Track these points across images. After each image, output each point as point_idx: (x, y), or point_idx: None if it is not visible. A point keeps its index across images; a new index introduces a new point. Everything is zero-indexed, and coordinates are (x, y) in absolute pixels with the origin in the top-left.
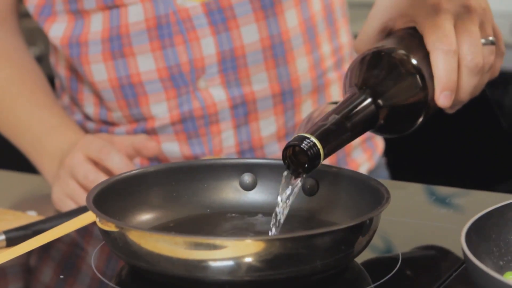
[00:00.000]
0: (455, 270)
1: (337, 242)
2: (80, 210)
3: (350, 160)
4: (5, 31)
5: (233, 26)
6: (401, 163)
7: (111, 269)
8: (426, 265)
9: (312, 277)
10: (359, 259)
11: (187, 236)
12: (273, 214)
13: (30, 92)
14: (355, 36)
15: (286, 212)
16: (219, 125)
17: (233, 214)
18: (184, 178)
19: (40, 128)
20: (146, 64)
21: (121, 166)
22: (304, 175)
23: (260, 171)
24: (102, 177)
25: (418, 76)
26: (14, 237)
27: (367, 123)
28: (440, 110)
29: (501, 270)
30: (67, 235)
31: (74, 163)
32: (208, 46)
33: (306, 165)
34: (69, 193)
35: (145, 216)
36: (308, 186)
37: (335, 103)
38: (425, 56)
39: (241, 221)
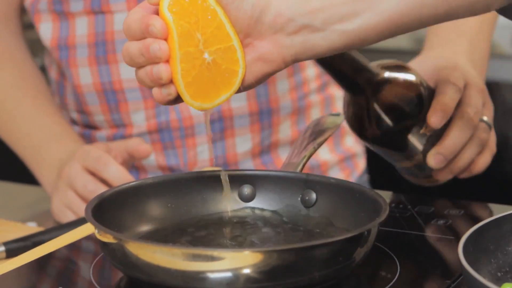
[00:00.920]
0: (452, 281)
1: (335, 253)
2: (79, 222)
3: None
4: (10, 32)
5: None
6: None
7: (109, 281)
8: (424, 276)
9: None
10: (357, 270)
11: (185, 247)
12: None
13: (33, 98)
14: None
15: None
16: (194, 138)
17: (232, 226)
18: (182, 189)
19: (40, 136)
20: (127, 72)
21: (118, 176)
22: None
23: (259, 183)
24: (100, 188)
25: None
26: (14, 248)
27: None
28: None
29: (499, 282)
30: (66, 247)
31: (72, 174)
32: None
33: None
34: (67, 203)
35: (144, 228)
36: (307, 198)
37: (337, 114)
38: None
39: (239, 233)
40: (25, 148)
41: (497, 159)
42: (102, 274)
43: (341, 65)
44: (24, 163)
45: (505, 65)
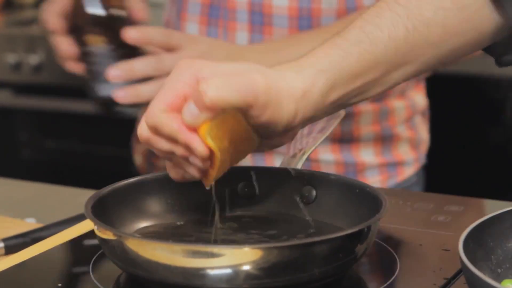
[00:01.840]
0: (452, 278)
1: (335, 249)
2: (79, 218)
3: (361, 178)
4: None
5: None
6: None
7: (109, 277)
8: (424, 272)
9: (310, 285)
10: (357, 267)
11: (185, 244)
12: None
13: None
14: None
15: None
16: None
17: (232, 222)
18: (182, 185)
19: None
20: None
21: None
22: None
23: (259, 180)
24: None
25: None
26: (13, 245)
27: None
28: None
29: (499, 278)
30: (66, 243)
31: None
32: (242, 40)
33: None
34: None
35: (143, 224)
36: (306, 194)
37: None
38: None
39: (239, 229)
40: None
41: (498, 155)
42: (101, 271)
43: None
44: (22, 160)
45: None
